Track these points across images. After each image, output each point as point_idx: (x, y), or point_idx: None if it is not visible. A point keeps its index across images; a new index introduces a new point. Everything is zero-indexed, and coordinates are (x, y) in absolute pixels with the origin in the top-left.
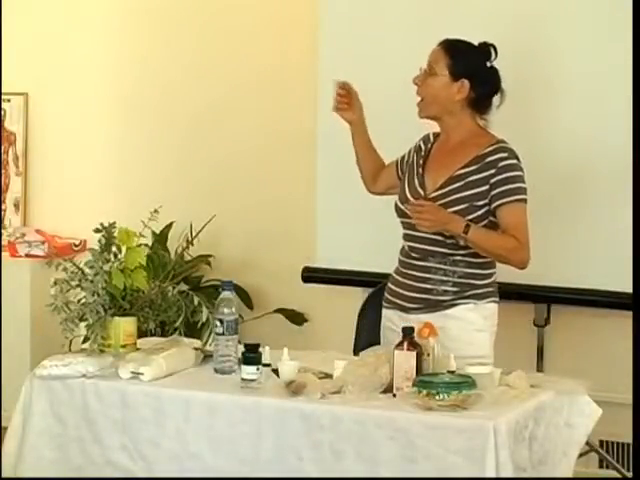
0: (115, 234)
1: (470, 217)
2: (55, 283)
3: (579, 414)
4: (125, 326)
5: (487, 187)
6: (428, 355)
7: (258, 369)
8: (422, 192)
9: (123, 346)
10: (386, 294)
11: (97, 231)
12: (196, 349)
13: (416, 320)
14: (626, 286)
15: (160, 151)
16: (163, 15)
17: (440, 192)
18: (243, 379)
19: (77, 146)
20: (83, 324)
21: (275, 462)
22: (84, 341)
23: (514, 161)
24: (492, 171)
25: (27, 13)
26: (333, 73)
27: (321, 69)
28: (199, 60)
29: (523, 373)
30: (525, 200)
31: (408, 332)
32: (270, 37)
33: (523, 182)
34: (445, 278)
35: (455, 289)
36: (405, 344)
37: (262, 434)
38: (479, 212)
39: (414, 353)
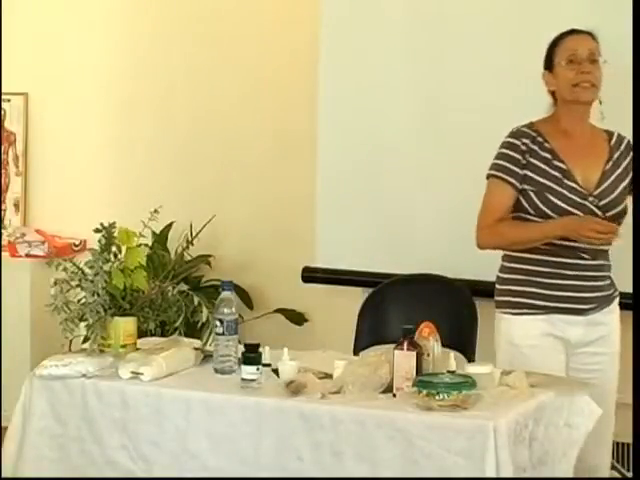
0: (115, 234)
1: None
2: (55, 283)
3: (579, 414)
4: (125, 326)
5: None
6: (428, 355)
7: (258, 369)
8: (583, 190)
9: (123, 346)
10: (531, 300)
11: (97, 231)
12: (196, 349)
13: (592, 321)
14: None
15: (160, 151)
16: (163, 16)
17: (600, 189)
18: (243, 379)
19: (77, 146)
20: (83, 324)
21: (275, 462)
22: (84, 341)
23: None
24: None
25: (27, 13)
26: (333, 73)
27: (321, 69)
28: (199, 60)
29: (523, 373)
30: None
31: (408, 332)
32: (270, 38)
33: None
34: (608, 273)
35: (609, 282)
36: (405, 344)
37: (262, 434)
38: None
39: (414, 353)
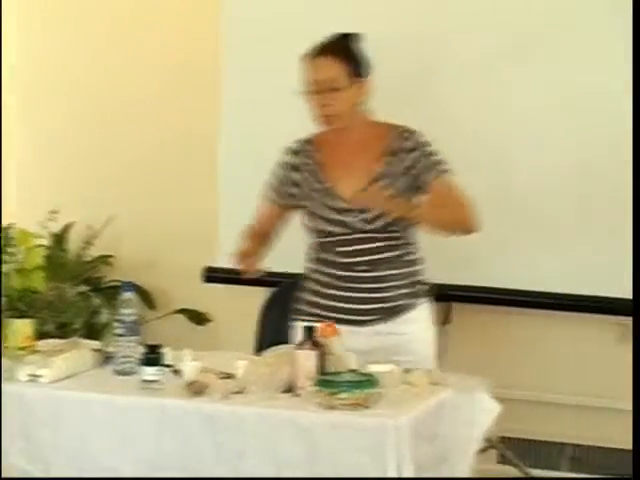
0: (13, 235)
1: None
2: None
3: (479, 411)
4: (22, 328)
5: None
6: (330, 354)
7: (159, 370)
8: (344, 205)
9: (21, 348)
10: (311, 309)
11: None
12: (96, 350)
13: (381, 331)
14: (526, 283)
15: (59, 151)
16: (65, 12)
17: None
18: (144, 380)
19: None
20: None
21: (177, 463)
22: None
23: None
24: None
25: None
26: (237, 74)
27: (225, 71)
28: (98, 57)
29: (424, 371)
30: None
31: (309, 331)
32: (171, 37)
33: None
34: (402, 282)
35: (405, 292)
36: (307, 344)
37: (164, 435)
38: None
39: (316, 352)
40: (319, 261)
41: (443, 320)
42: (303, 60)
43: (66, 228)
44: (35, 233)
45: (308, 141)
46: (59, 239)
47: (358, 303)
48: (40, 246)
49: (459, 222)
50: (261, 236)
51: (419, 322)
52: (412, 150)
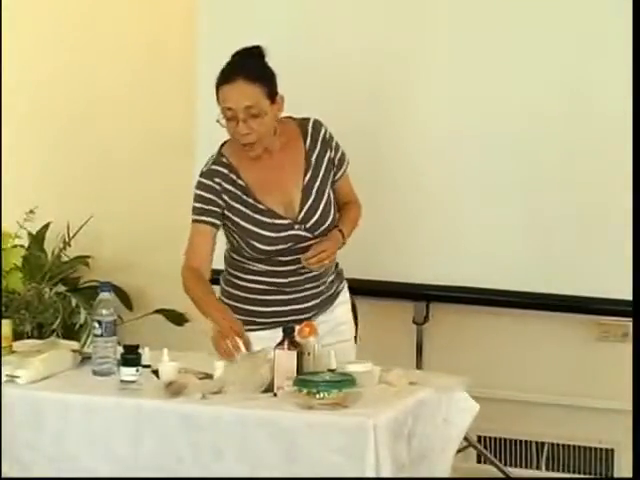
0: None
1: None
2: None
3: (457, 410)
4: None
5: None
6: (309, 354)
7: (137, 370)
8: (285, 222)
9: None
10: (255, 318)
11: None
12: (74, 351)
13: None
14: (503, 284)
15: (36, 150)
16: (33, 7)
17: (305, 211)
18: (122, 381)
19: None
20: None
21: (154, 463)
22: None
23: None
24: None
25: None
26: (211, 70)
27: (199, 66)
28: (75, 57)
29: (402, 371)
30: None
31: (288, 331)
32: (146, 32)
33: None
34: (330, 273)
35: (331, 280)
36: (286, 343)
37: (141, 435)
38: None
39: (295, 352)
40: (254, 272)
41: (421, 319)
42: (217, 86)
43: (44, 228)
44: (13, 233)
45: (223, 164)
46: (37, 239)
47: (300, 303)
48: (18, 246)
49: (358, 219)
50: (205, 273)
51: (343, 304)
52: (325, 145)
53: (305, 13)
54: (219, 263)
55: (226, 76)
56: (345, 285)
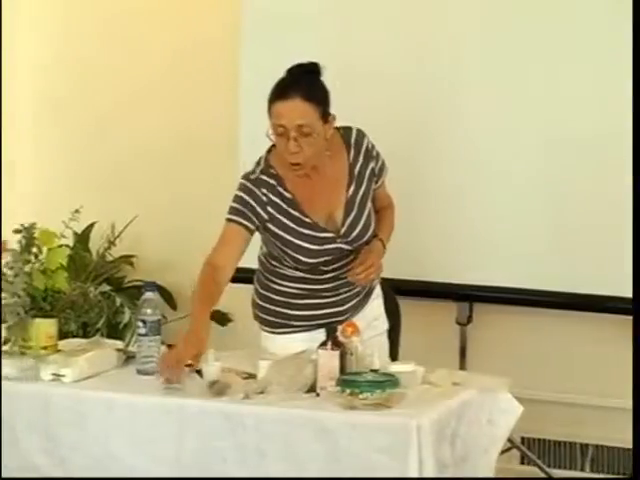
0: (36, 235)
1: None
2: None
3: (501, 411)
4: (46, 328)
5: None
6: (351, 354)
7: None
8: (328, 235)
9: (44, 348)
10: (286, 321)
11: (17, 232)
12: (118, 350)
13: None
14: (547, 284)
15: (81, 150)
16: (68, 7)
17: (347, 225)
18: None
19: None
20: (3, 326)
21: (198, 463)
22: (4, 343)
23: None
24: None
25: None
26: (256, 67)
27: (243, 64)
28: (121, 55)
29: (446, 371)
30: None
31: (331, 332)
32: (188, 30)
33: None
34: None
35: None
36: (329, 343)
37: (185, 435)
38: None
39: (338, 352)
40: (291, 279)
41: (464, 320)
42: (270, 101)
43: (89, 228)
44: (59, 233)
45: (271, 175)
46: (82, 239)
47: (337, 306)
48: (63, 246)
49: (394, 223)
50: (223, 275)
51: (376, 298)
52: (368, 156)
53: (348, 21)
54: (253, 262)
55: (281, 92)
56: (378, 280)
